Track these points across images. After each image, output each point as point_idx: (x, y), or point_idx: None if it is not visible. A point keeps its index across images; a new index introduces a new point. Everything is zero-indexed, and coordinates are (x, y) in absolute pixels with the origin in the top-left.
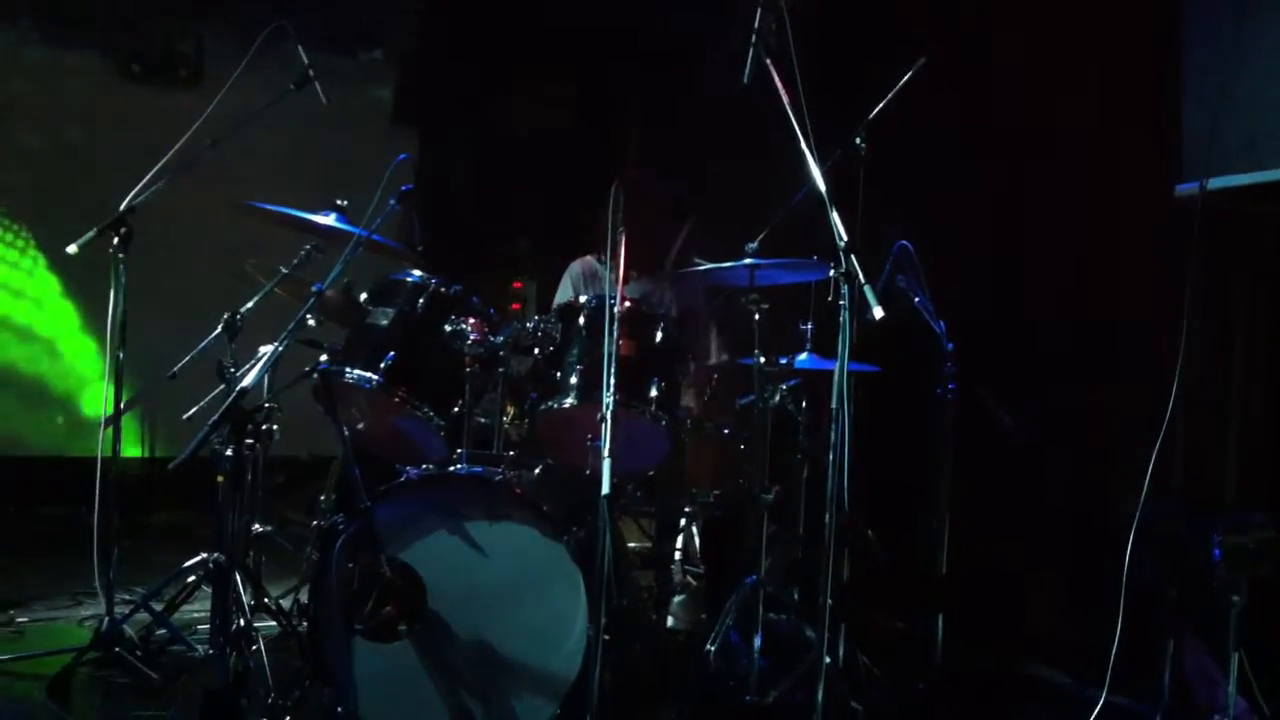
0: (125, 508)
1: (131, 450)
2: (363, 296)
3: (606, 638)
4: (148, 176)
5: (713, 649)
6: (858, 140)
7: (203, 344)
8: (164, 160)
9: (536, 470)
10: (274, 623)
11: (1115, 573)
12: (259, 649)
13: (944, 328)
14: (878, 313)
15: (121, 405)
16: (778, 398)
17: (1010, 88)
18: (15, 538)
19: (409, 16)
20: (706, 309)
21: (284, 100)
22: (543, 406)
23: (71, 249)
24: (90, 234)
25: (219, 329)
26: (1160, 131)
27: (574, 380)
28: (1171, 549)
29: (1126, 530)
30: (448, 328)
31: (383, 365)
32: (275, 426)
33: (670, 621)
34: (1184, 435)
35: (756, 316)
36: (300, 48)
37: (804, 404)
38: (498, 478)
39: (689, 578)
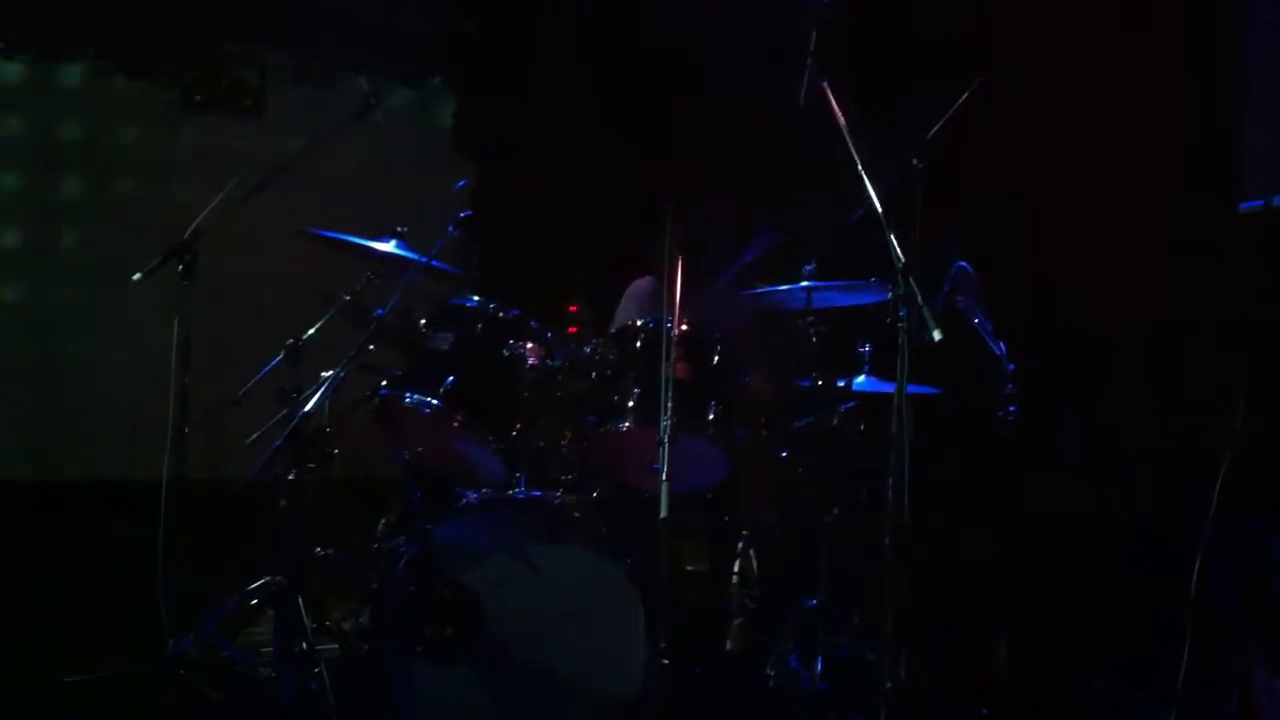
0: (188, 530)
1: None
2: (421, 321)
3: (666, 660)
4: (212, 204)
5: (772, 672)
6: (914, 161)
7: (265, 369)
8: (228, 188)
9: (595, 493)
10: (335, 645)
11: (1181, 588)
12: (321, 671)
13: (1005, 349)
14: (937, 335)
15: (186, 429)
16: (835, 420)
17: (1060, 102)
18: (79, 559)
19: (468, 44)
20: (756, 330)
21: (345, 128)
22: (601, 429)
23: (137, 276)
24: (155, 261)
25: (281, 355)
26: (1221, 148)
27: (631, 403)
28: (1239, 563)
29: (1193, 544)
30: (506, 352)
31: (442, 389)
32: (336, 450)
33: (729, 644)
34: (1249, 449)
35: (814, 338)
36: (361, 76)
37: (861, 426)
38: (557, 500)
39: (748, 600)
